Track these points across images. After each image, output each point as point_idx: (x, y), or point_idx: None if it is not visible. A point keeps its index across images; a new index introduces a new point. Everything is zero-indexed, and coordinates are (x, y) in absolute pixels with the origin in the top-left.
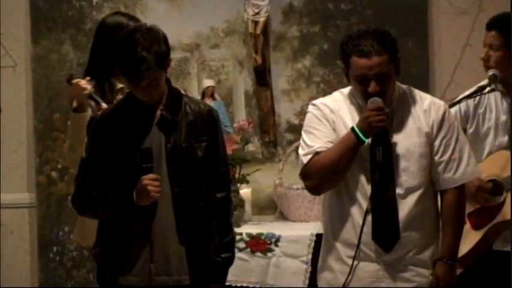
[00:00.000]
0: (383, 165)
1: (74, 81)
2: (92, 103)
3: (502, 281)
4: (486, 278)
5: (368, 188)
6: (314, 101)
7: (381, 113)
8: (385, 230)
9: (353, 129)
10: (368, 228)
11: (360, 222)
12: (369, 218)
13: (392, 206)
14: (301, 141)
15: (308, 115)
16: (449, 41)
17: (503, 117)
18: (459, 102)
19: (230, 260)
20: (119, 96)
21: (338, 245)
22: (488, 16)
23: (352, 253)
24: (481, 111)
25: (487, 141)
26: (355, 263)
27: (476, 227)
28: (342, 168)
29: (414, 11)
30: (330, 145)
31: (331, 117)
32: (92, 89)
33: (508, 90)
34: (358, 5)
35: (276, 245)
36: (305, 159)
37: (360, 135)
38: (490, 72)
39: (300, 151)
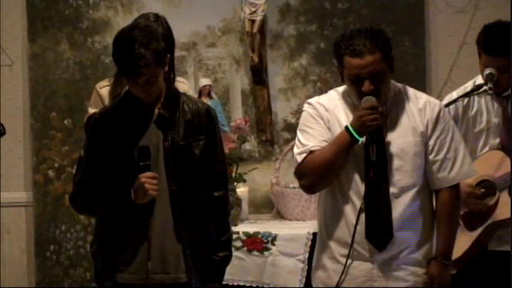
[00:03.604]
0: (377, 164)
1: None
2: None
3: (498, 281)
4: (482, 278)
5: (361, 187)
6: (310, 100)
7: (375, 112)
8: (378, 229)
9: (347, 128)
10: (361, 227)
11: (354, 220)
12: (363, 216)
13: (386, 205)
14: (296, 140)
15: (304, 114)
16: (445, 39)
17: (495, 120)
18: (456, 101)
19: (227, 259)
20: None
21: (332, 244)
22: (484, 14)
23: (345, 252)
24: (471, 113)
25: (478, 143)
26: (349, 261)
27: (470, 228)
28: (336, 167)
29: (410, 10)
30: (324, 144)
31: (326, 116)
32: None
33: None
34: (355, 4)
35: (273, 244)
36: (299, 158)
37: (354, 134)
38: (487, 71)
39: (295, 150)
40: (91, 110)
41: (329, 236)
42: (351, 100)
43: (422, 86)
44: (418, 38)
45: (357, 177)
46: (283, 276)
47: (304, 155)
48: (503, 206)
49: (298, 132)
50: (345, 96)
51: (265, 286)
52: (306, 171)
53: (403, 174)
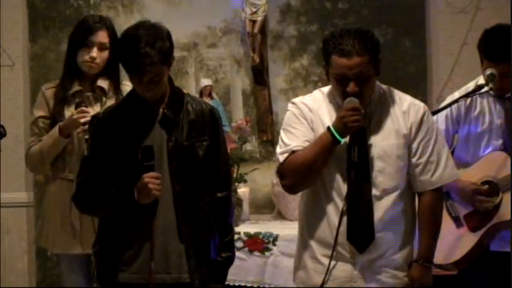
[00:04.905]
0: (359, 166)
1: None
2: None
3: (500, 282)
4: (484, 279)
5: (344, 188)
6: (294, 100)
7: (357, 113)
8: (360, 230)
9: (328, 128)
10: (343, 228)
11: (336, 221)
12: (345, 217)
13: (368, 207)
14: (279, 139)
15: (287, 113)
16: (446, 40)
17: (498, 121)
18: (457, 101)
19: (230, 260)
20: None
21: (313, 244)
22: (485, 15)
23: (327, 252)
24: (474, 114)
25: (481, 144)
26: (331, 262)
27: (473, 229)
28: (317, 167)
29: (411, 10)
30: (307, 144)
31: (309, 116)
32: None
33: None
34: (355, 4)
35: (274, 244)
36: (281, 158)
37: (336, 134)
38: (488, 72)
39: (278, 149)
40: (36, 112)
41: (310, 236)
42: (336, 101)
43: (423, 86)
44: (419, 38)
45: (339, 178)
46: (284, 276)
47: (286, 154)
48: (506, 207)
49: (281, 131)
50: (330, 96)
51: (266, 286)
52: (287, 171)
53: (385, 177)
